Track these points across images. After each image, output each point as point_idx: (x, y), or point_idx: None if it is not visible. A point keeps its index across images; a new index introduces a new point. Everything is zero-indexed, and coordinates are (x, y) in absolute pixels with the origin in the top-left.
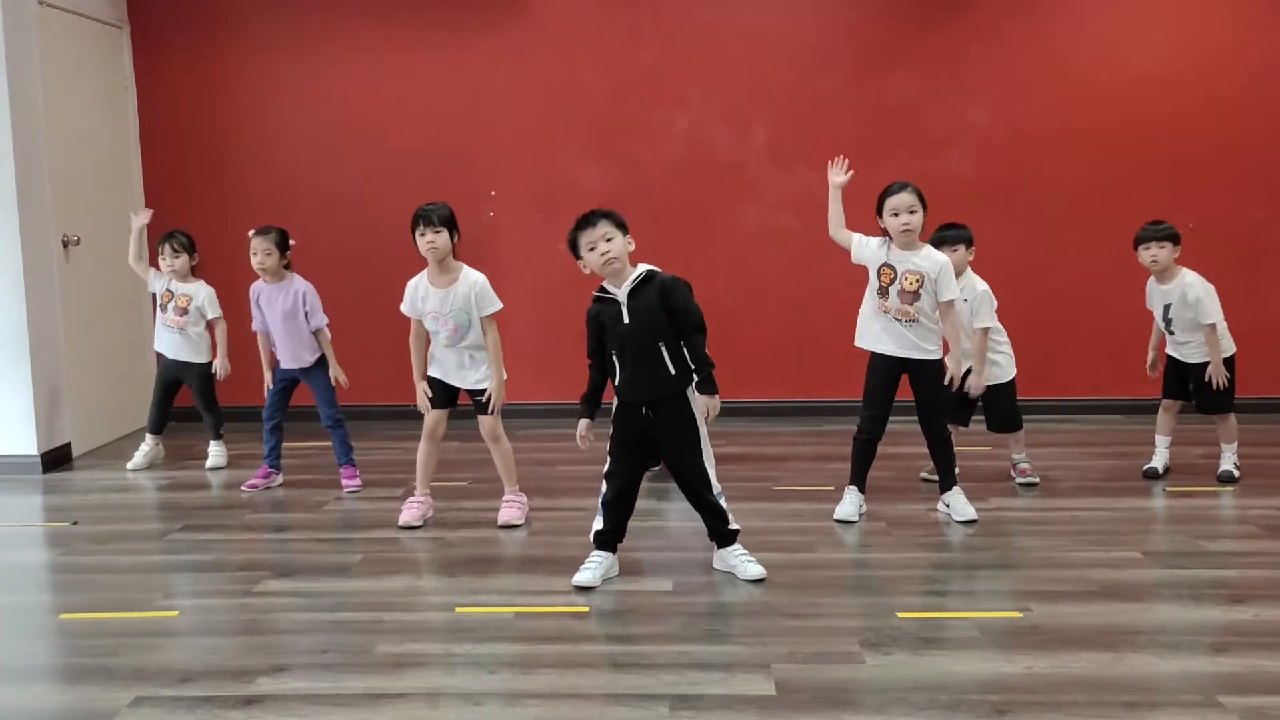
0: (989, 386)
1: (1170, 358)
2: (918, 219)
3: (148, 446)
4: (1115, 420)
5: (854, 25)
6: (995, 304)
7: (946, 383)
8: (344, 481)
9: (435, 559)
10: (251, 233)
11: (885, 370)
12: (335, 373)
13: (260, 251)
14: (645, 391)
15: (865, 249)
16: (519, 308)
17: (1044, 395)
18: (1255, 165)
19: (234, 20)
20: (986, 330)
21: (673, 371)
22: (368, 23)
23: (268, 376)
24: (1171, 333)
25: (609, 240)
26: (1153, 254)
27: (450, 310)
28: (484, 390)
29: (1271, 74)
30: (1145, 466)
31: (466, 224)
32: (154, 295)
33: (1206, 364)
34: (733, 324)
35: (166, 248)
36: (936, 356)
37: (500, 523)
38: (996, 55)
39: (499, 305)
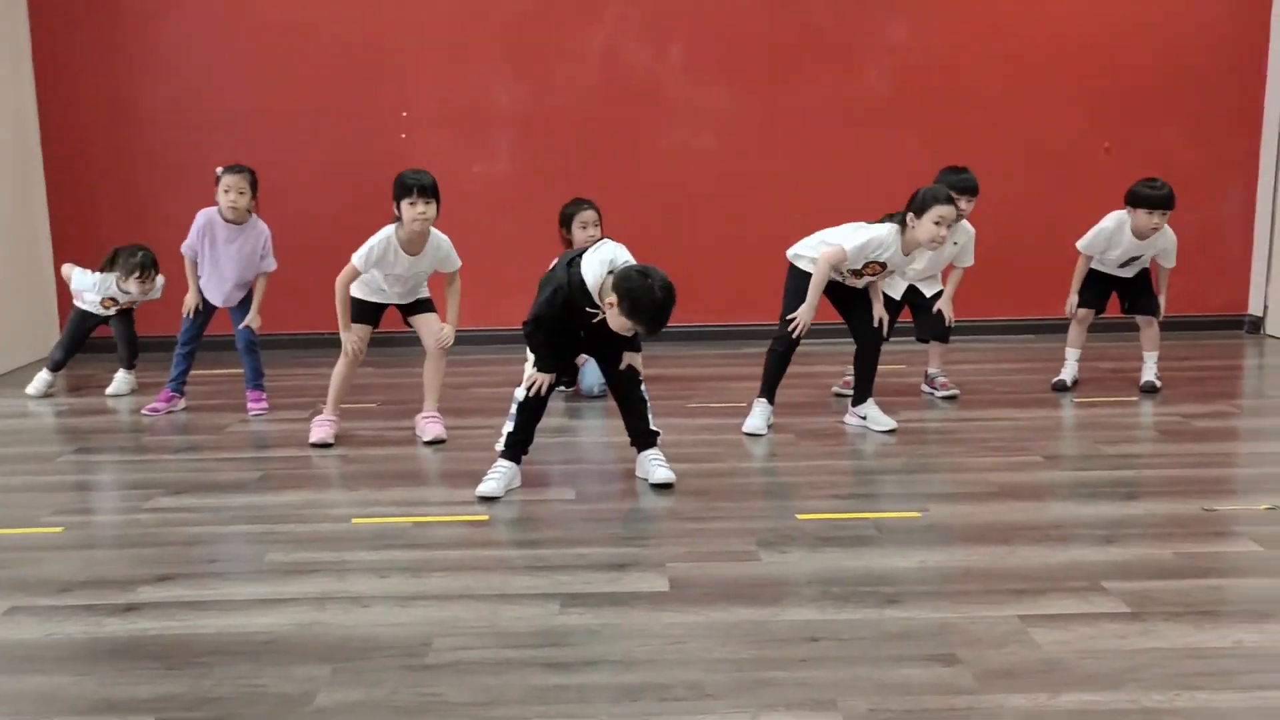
0: (928, 296)
1: (1099, 274)
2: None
3: (48, 377)
4: (1028, 338)
5: None
6: None
7: (878, 323)
8: (250, 405)
9: (338, 474)
10: (221, 170)
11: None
12: (253, 320)
13: (234, 190)
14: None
15: (865, 248)
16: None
17: (959, 316)
18: (1168, 88)
19: None
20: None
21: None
22: None
23: (192, 298)
24: (1123, 267)
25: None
26: (1155, 222)
27: (415, 273)
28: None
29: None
30: (1054, 380)
31: (377, 145)
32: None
33: (1141, 274)
34: (650, 247)
35: (149, 273)
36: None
37: (429, 438)
38: None
39: (459, 263)
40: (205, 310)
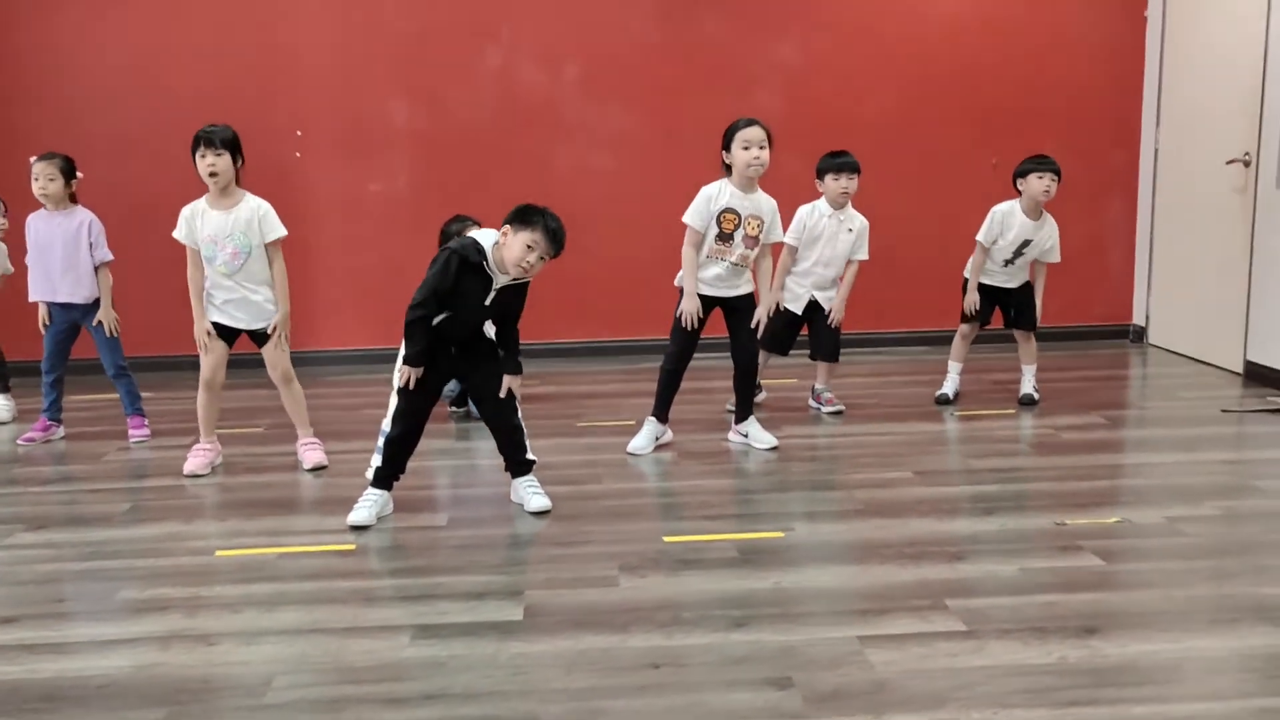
0: (825, 316)
1: (985, 286)
2: (767, 155)
3: None
4: (915, 351)
5: None
6: None
7: (755, 325)
8: (131, 432)
9: (209, 504)
10: (33, 159)
11: (703, 308)
12: (106, 315)
13: (43, 176)
14: (460, 344)
15: (704, 203)
16: (328, 249)
17: (848, 329)
18: (1046, 101)
19: None
20: (861, 262)
21: (491, 340)
22: None
23: (43, 311)
24: (1009, 264)
25: (542, 261)
26: (1046, 185)
27: (231, 234)
28: (264, 329)
29: (1065, 13)
30: (937, 393)
31: (272, 165)
32: None
33: (1023, 287)
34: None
35: None
36: (751, 289)
37: (309, 466)
38: None
39: (283, 231)
40: (57, 322)
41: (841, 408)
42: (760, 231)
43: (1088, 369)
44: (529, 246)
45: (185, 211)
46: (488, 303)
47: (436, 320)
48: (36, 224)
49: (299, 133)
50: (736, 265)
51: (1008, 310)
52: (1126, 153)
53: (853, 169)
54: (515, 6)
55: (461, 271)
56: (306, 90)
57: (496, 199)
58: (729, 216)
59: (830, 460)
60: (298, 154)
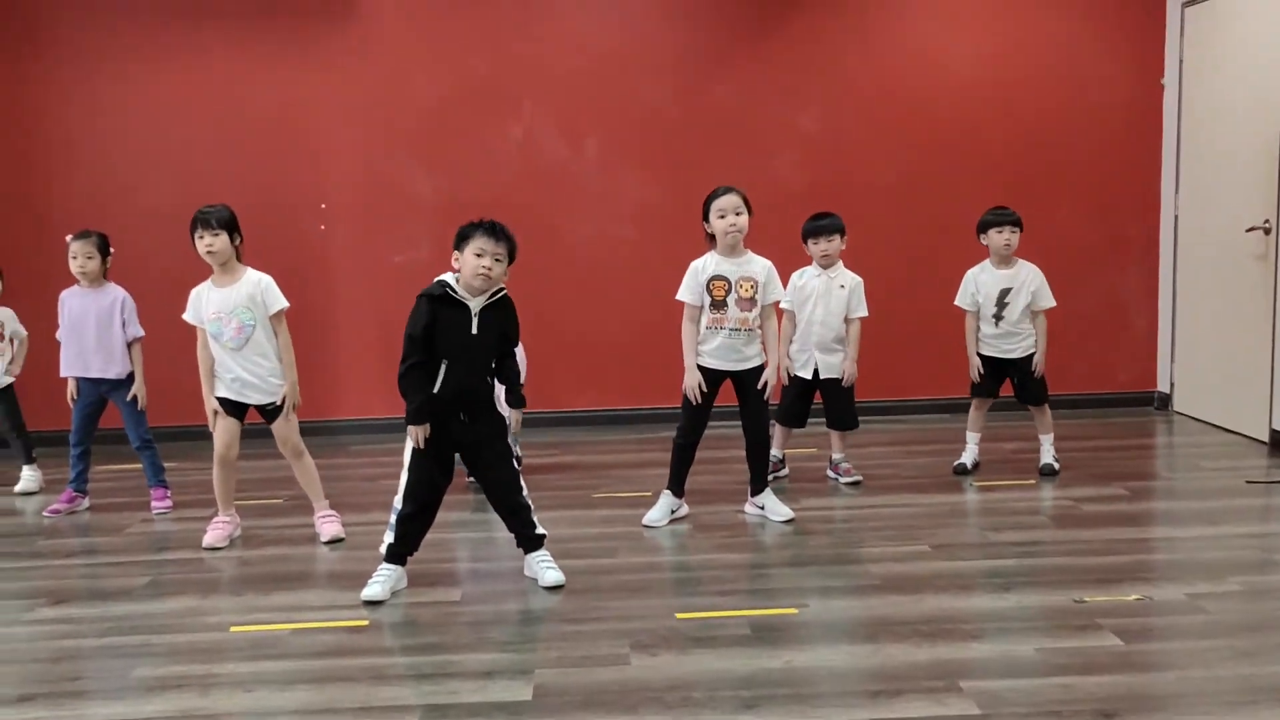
0: (833, 382)
1: (985, 357)
2: (744, 220)
3: None
4: (933, 419)
5: (680, 36)
6: None
7: (761, 386)
8: (154, 503)
9: (227, 578)
10: (70, 237)
11: (709, 382)
12: (138, 389)
13: (81, 255)
14: (468, 400)
15: (692, 277)
16: (351, 319)
17: (866, 396)
18: (1065, 169)
19: (41, 28)
20: (862, 319)
21: (490, 382)
22: (185, 29)
23: (72, 386)
24: (999, 320)
25: (498, 261)
26: (1006, 238)
27: (234, 309)
28: (274, 403)
29: (1082, 81)
30: (955, 464)
31: (296, 237)
32: None
33: (1028, 358)
34: (567, 333)
35: None
36: (760, 363)
37: (326, 539)
38: (819, 63)
39: (285, 303)
40: (85, 396)
41: (859, 478)
42: (755, 292)
43: (1110, 438)
44: (477, 254)
45: (193, 293)
46: (475, 330)
47: (440, 376)
48: (70, 301)
49: (323, 205)
50: (739, 330)
51: (1014, 380)
52: (1146, 219)
53: (831, 231)
54: (536, 79)
55: (433, 308)
56: (330, 164)
57: (516, 268)
58: (718, 284)
59: (847, 533)
60: (322, 227)
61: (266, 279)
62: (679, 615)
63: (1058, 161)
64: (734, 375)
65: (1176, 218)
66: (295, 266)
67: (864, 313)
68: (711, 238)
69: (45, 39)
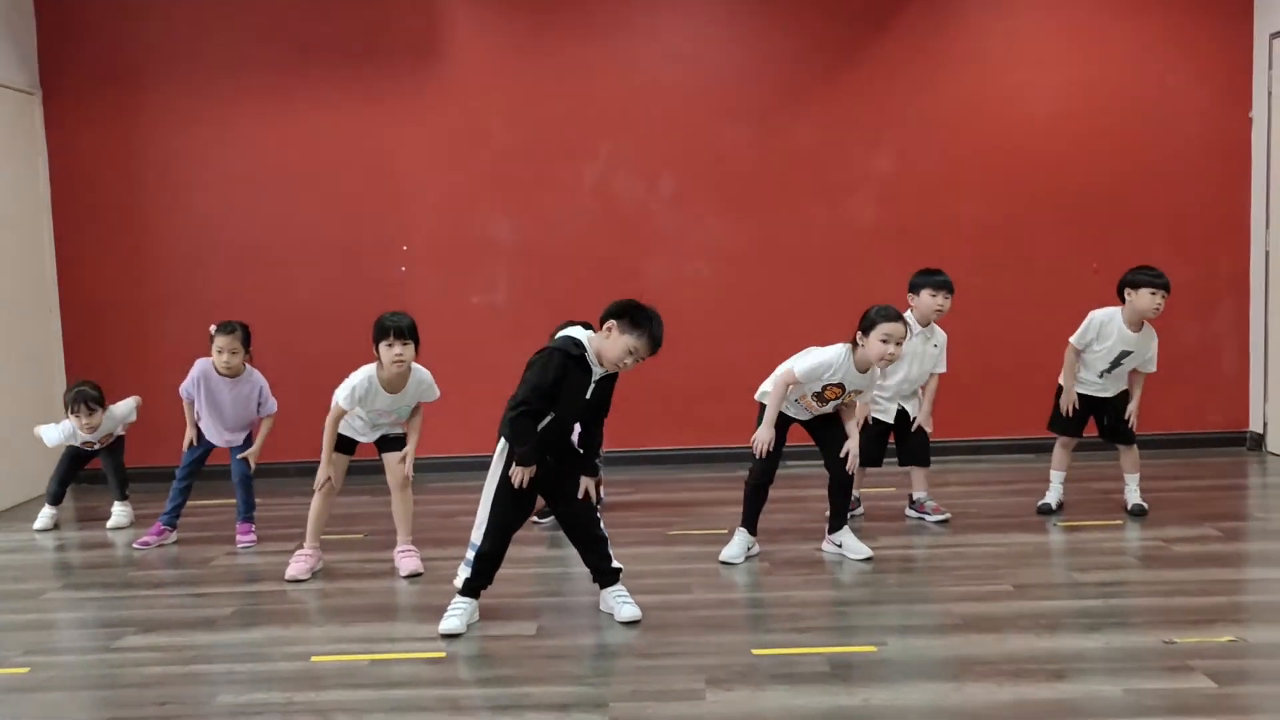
0: (909, 419)
1: (1081, 395)
2: (901, 352)
3: (51, 511)
4: (1017, 459)
5: (757, 76)
6: None
7: (843, 456)
8: (238, 537)
9: (310, 609)
10: (214, 328)
11: (781, 423)
12: (253, 454)
13: (226, 350)
14: (557, 446)
15: (819, 371)
16: (430, 361)
17: (948, 436)
18: (1153, 206)
19: (146, 84)
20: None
21: (577, 451)
22: (278, 81)
23: (190, 432)
24: (1104, 375)
25: (638, 362)
26: (1157, 303)
27: (396, 410)
28: (394, 437)
29: (1168, 116)
30: (1039, 503)
31: (379, 278)
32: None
33: (1119, 396)
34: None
35: (82, 408)
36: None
37: (405, 573)
38: (896, 102)
39: (438, 395)
40: (204, 444)
41: (948, 515)
42: (854, 398)
43: (1201, 478)
44: (630, 351)
45: (358, 385)
46: (589, 395)
47: (543, 424)
48: (208, 384)
49: (405, 247)
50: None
51: (1101, 419)
52: (1237, 255)
53: (950, 288)
54: (612, 121)
55: (566, 367)
56: (412, 206)
57: (594, 308)
58: (834, 390)
59: (927, 572)
60: (403, 268)
61: (428, 378)
62: (755, 651)
63: (1145, 199)
64: (807, 422)
65: (1267, 254)
66: (377, 305)
67: (944, 369)
68: (855, 344)
69: (148, 97)
